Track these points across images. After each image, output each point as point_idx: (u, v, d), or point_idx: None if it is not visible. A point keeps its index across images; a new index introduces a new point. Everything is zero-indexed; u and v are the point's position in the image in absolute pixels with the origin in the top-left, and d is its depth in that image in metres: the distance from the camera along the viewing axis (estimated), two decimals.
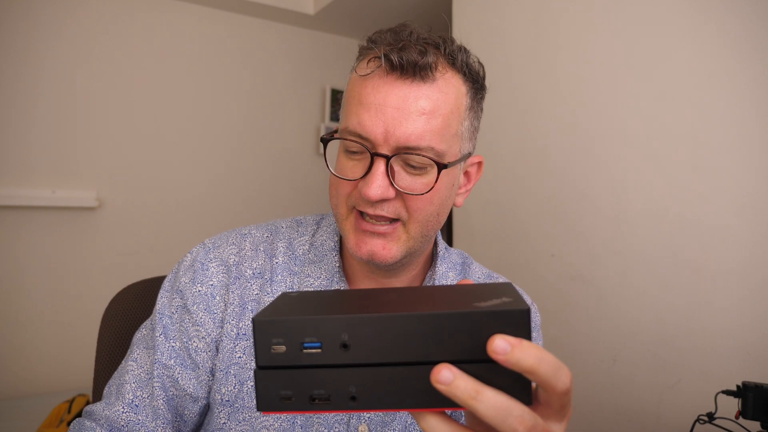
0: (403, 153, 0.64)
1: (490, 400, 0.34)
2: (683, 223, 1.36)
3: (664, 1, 1.41)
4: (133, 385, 0.71)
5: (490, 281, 0.87)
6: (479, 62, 0.72)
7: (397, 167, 0.66)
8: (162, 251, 2.66)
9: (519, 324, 0.35)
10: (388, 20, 2.98)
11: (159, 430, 0.70)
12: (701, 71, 1.33)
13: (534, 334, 0.84)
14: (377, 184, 0.63)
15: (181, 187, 2.74)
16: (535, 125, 1.76)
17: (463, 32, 2.03)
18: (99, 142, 2.52)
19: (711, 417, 1.09)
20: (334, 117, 3.21)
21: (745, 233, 1.25)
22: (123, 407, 0.69)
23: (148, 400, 0.70)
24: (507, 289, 0.40)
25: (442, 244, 0.84)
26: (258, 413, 0.70)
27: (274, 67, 3.02)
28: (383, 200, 0.65)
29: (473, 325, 0.35)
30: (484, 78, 0.73)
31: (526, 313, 0.35)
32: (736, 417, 1.03)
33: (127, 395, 0.70)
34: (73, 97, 2.46)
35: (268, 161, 3.01)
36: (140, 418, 0.69)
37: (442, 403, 0.36)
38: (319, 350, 0.36)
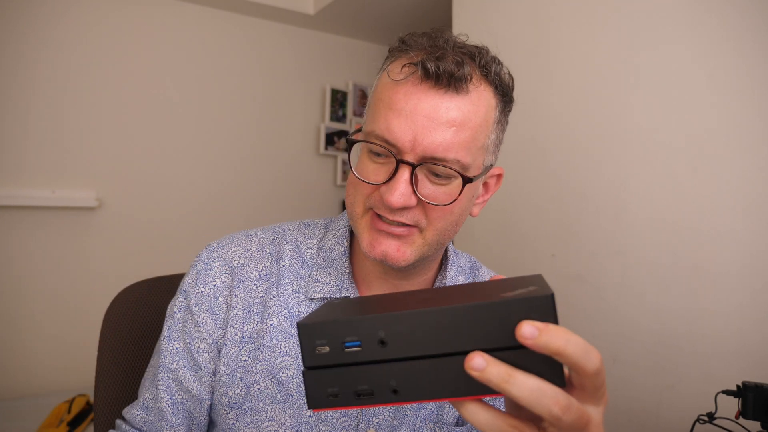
0: (429, 163, 0.63)
1: (523, 383, 0.35)
2: (683, 224, 1.36)
3: (664, 1, 1.41)
4: (145, 386, 0.75)
5: None
6: (509, 74, 0.71)
7: (421, 176, 0.65)
8: (162, 251, 2.66)
9: (545, 309, 0.36)
10: (388, 20, 2.99)
11: (164, 431, 0.72)
12: (701, 72, 1.33)
13: None
14: (400, 192, 0.62)
15: (180, 186, 2.74)
16: (535, 126, 1.76)
17: (462, 32, 2.03)
18: (99, 142, 2.52)
19: (711, 417, 1.09)
20: (334, 117, 3.21)
21: (745, 234, 1.25)
22: (138, 409, 0.74)
23: (153, 402, 0.73)
24: (535, 279, 0.42)
25: (451, 248, 0.83)
26: (263, 416, 0.71)
27: (274, 67, 3.02)
28: (404, 208, 0.65)
29: (502, 314, 0.36)
30: (512, 90, 0.72)
31: (551, 298, 0.36)
32: (736, 417, 1.03)
33: (139, 397, 0.75)
34: (73, 97, 2.46)
35: (268, 161, 3.01)
36: (150, 418, 0.73)
37: (478, 390, 0.37)
38: (359, 348, 0.38)
